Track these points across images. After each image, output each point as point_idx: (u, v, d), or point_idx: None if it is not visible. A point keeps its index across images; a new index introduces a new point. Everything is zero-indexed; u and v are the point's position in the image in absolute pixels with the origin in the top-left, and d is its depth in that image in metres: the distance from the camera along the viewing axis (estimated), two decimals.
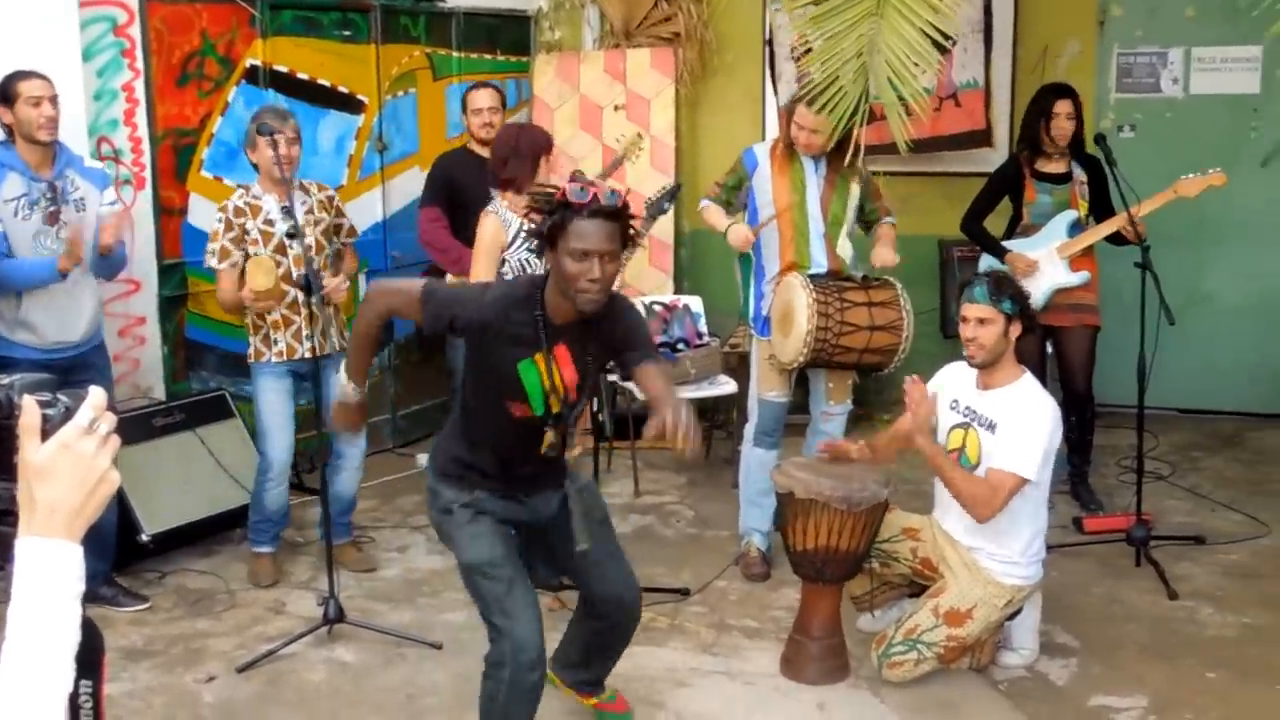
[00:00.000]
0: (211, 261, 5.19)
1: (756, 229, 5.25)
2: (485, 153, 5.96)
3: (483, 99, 6.26)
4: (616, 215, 3.34)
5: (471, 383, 3.67)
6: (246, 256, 5.14)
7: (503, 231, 4.92)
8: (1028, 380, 4.47)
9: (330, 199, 5.43)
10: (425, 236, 6.20)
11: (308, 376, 5.30)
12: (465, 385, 3.72)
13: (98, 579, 5.15)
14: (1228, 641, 4.80)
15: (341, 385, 3.88)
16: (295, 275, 5.17)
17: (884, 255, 5.28)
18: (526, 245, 4.98)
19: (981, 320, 4.36)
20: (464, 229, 6.01)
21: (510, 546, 3.64)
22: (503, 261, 4.82)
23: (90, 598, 5.33)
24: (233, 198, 5.26)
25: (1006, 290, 4.39)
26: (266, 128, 4.96)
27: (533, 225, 3.44)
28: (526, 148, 5.02)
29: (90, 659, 1.52)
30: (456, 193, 6.15)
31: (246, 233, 5.15)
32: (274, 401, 5.32)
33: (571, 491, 3.74)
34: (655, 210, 5.38)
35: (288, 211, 5.11)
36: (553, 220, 3.33)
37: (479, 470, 3.66)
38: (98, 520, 5.47)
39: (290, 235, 5.11)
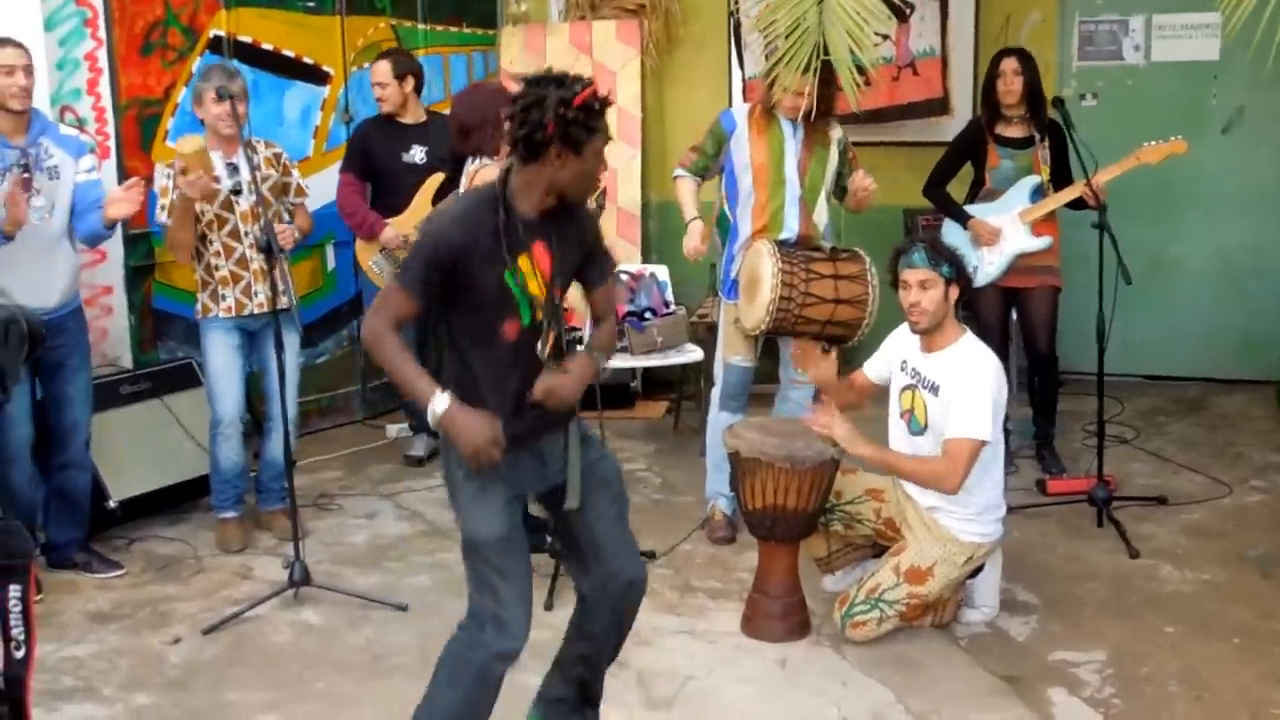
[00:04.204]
0: (163, 217, 5.20)
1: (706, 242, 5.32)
2: (396, 119, 6.30)
3: (379, 73, 6.34)
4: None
5: (460, 324, 3.35)
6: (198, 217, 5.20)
7: None
8: (968, 340, 4.51)
9: (277, 156, 5.46)
10: (338, 201, 6.37)
11: (257, 335, 5.37)
12: (452, 334, 3.38)
13: (72, 545, 5.19)
14: (1186, 597, 4.86)
15: (431, 411, 3.26)
16: (243, 231, 5.24)
17: (861, 180, 5.27)
18: None
19: (922, 284, 4.40)
20: (382, 196, 6.32)
21: (515, 525, 3.41)
22: None
23: (65, 564, 5.37)
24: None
25: (943, 254, 4.44)
26: (224, 91, 5.02)
27: (562, 132, 3.21)
28: (481, 116, 5.11)
29: (15, 565, 1.55)
30: (370, 159, 6.33)
31: None
32: (222, 356, 5.33)
33: (572, 433, 3.49)
34: None
35: (233, 168, 5.20)
36: (591, 128, 3.24)
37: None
38: (71, 488, 5.47)
39: (235, 192, 5.19)
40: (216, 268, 5.26)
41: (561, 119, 3.20)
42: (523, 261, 3.30)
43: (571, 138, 3.22)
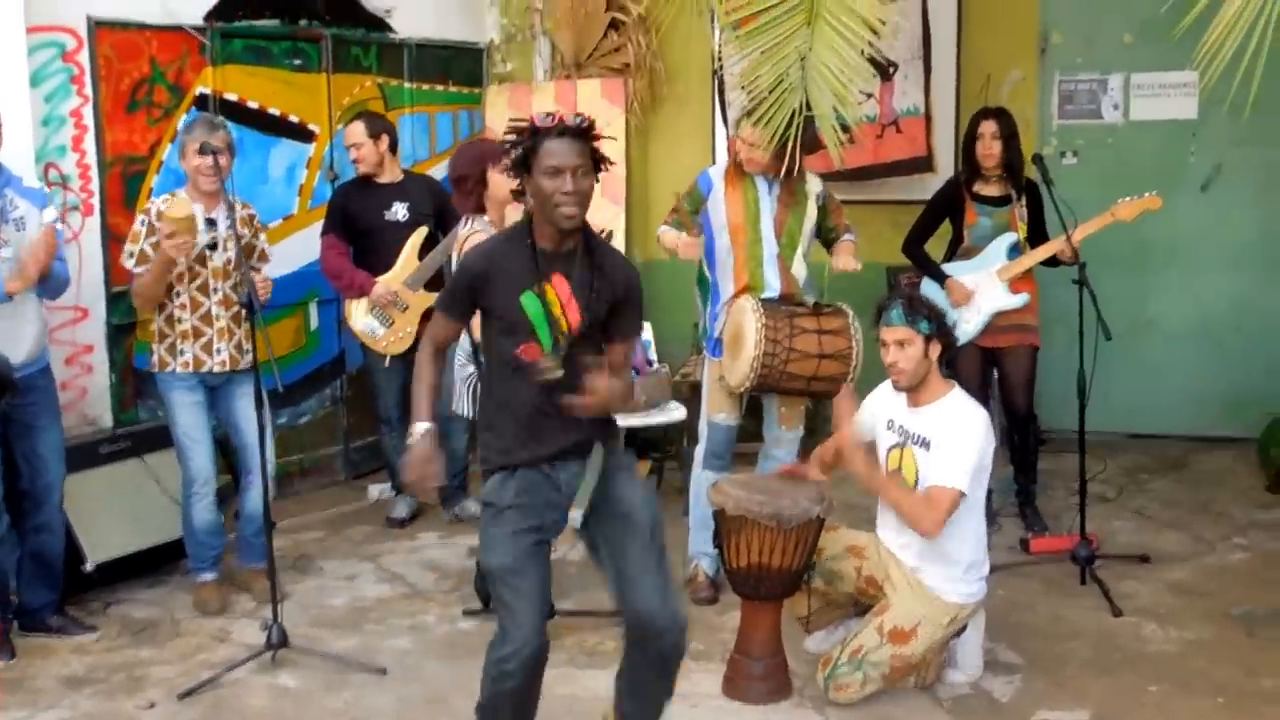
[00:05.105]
0: (128, 263, 5.20)
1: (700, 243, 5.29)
2: (374, 179, 6.34)
3: (353, 134, 6.37)
4: (582, 134, 3.54)
5: (488, 344, 3.76)
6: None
7: None
8: (956, 394, 4.51)
9: (251, 218, 5.47)
10: (323, 265, 6.42)
11: (219, 390, 5.35)
12: (488, 356, 3.79)
13: (47, 609, 5.11)
14: (1170, 656, 4.84)
15: (412, 431, 3.68)
16: (212, 287, 5.23)
17: (845, 261, 5.32)
18: None
19: (900, 342, 4.41)
20: (367, 255, 6.35)
21: (527, 552, 3.59)
22: None
23: (39, 627, 5.32)
24: (158, 201, 5.26)
25: (921, 311, 4.43)
26: (208, 147, 5.03)
27: (509, 159, 3.60)
28: (465, 170, 5.11)
29: None
30: (352, 220, 6.36)
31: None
32: (186, 413, 5.30)
33: (594, 455, 3.69)
34: None
35: (211, 223, 5.19)
36: (525, 146, 3.53)
37: (506, 442, 3.67)
38: (46, 551, 5.40)
39: (210, 247, 5.18)
40: (179, 320, 5.22)
41: (513, 145, 3.56)
42: (538, 288, 3.58)
43: (520, 160, 3.54)
